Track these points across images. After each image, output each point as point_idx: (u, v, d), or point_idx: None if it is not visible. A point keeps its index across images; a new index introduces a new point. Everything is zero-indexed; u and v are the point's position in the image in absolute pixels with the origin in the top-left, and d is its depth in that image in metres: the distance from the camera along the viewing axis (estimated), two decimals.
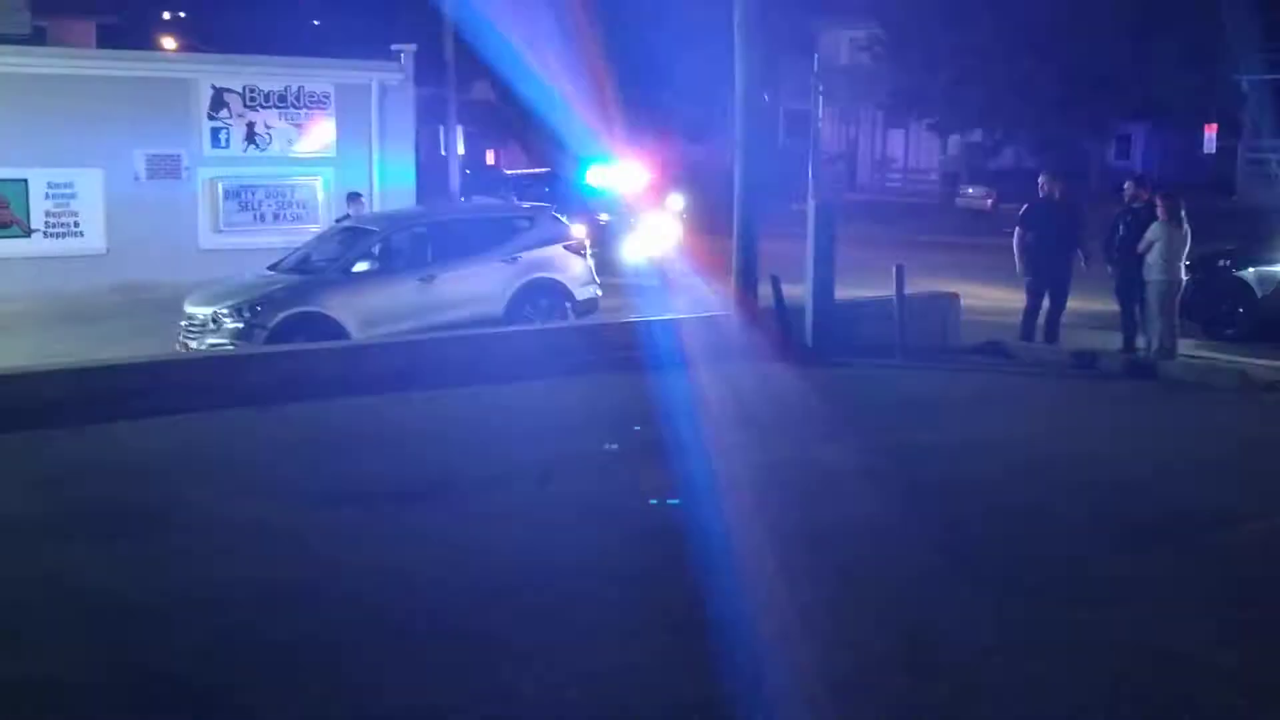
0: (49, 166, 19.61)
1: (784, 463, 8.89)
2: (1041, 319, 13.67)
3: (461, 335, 12.93)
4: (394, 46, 22.43)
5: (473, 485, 8.43)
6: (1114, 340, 13.46)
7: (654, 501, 8.02)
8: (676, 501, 7.99)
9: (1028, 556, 6.99)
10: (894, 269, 13.06)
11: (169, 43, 41.40)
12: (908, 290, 13.27)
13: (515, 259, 14.56)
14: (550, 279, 14.72)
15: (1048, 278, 13.47)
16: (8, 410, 9.91)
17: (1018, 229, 13.66)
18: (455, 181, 26.19)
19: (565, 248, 15.08)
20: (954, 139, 40.43)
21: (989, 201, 35.81)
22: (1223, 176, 36.66)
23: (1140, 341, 13.12)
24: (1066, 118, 31.90)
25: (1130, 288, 13.09)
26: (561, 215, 16.02)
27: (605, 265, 17.71)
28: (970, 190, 37.94)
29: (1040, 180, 14.01)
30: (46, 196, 19.74)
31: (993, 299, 16.41)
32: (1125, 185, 13.89)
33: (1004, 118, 33.66)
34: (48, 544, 7.26)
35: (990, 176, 37.45)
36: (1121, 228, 13.16)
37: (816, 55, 13.32)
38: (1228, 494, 8.19)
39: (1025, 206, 14.02)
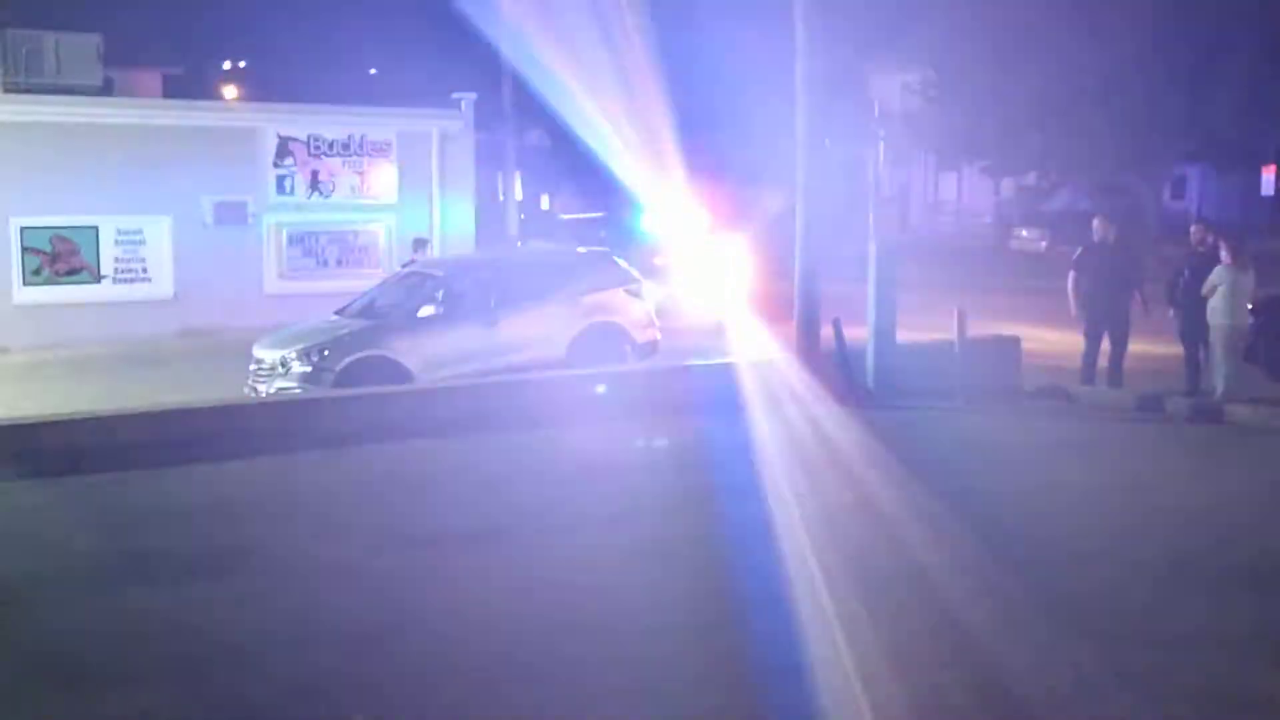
0: (118, 213, 20.10)
1: (847, 507, 8.91)
2: (1104, 363, 13.60)
3: (525, 379, 13.07)
4: (454, 94, 22.84)
5: (542, 528, 8.54)
6: (1179, 384, 13.36)
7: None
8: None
9: (1098, 601, 6.97)
10: (955, 312, 13.07)
11: (231, 92, 42.33)
12: (968, 333, 13.27)
13: (576, 302, 14.73)
14: (611, 322, 14.87)
15: (1105, 321, 13.43)
16: (86, 452, 10.17)
17: (1072, 273, 13.63)
18: (513, 226, 26.51)
19: (625, 291, 15.23)
20: (1007, 181, 40.35)
21: (1043, 244, 35.64)
22: None
23: (1206, 386, 13.03)
24: (1121, 160, 31.76)
25: (1195, 331, 13.02)
26: (620, 259, 16.19)
27: (663, 308, 17.83)
28: (1024, 233, 37.77)
29: (1094, 223, 14.00)
30: (116, 243, 20.22)
31: (1051, 342, 16.34)
32: (1192, 229, 13.85)
33: (1058, 161, 33.55)
34: (132, 585, 7.43)
35: (1044, 219, 37.30)
36: (1187, 271, 13.13)
37: (877, 101, 13.37)
38: None
39: (1080, 250, 14.00)
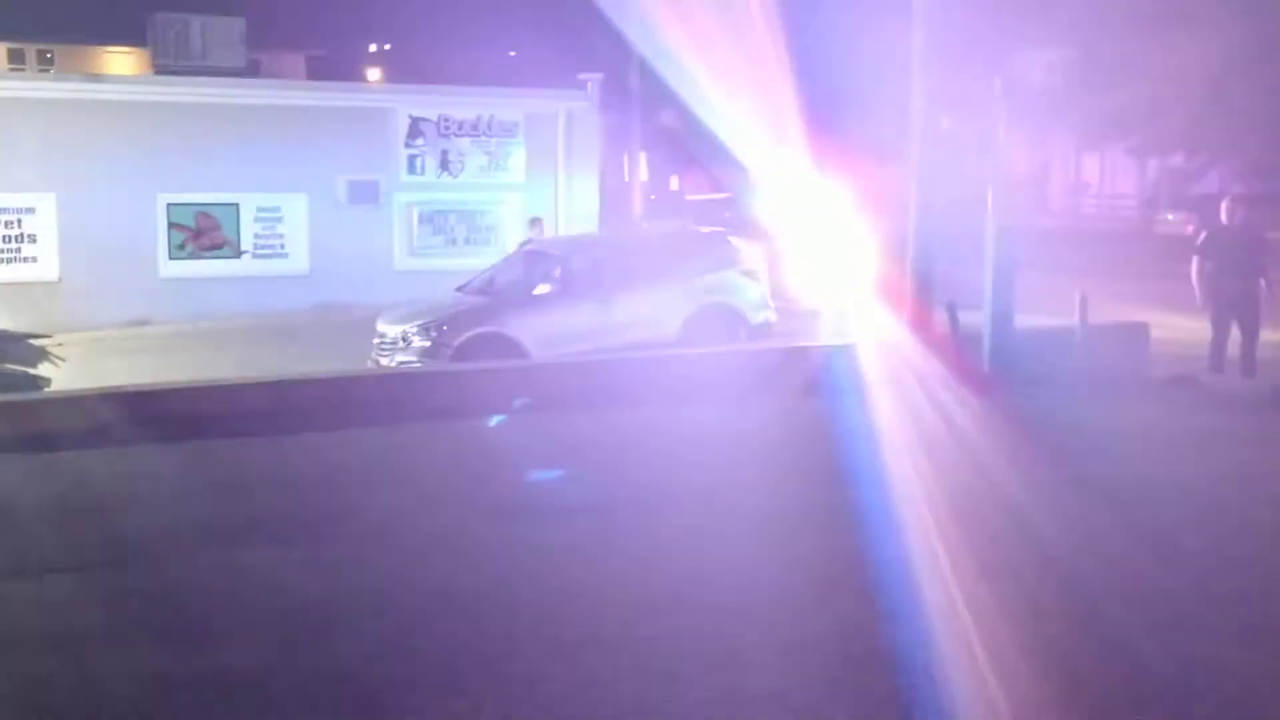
0: (258, 191, 20.80)
1: (960, 493, 8.74)
2: (1236, 351, 13.09)
3: (636, 357, 13.16)
4: (581, 75, 23.02)
5: (639, 503, 8.60)
6: None
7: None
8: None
9: (1219, 597, 6.73)
10: (1077, 296, 12.72)
11: (374, 74, 43.33)
12: (1094, 319, 12.89)
13: (690, 283, 14.75)
14: (725, 302, 14.87)
15: (1233, 308, 12.91)
16: (208, 419, 10.60)
17: (1196, 258, 13.15)
18: (638, 207, 26.64)
19: (740, 272, 15.21)
20: (1154, 163, 38.98)
21: (1190, 228, 34.34)
22: None
23: None
24: (1273, 139, 30.40)
25: None
26: (739, 239, 16.14)
27: (782, 290, 17.72)
28: (1170, 216, 36.47)
29: (1224, 205, 13.48)
30: (255, 219, 20.94)
31: (1189, 329, 15.76)
32: None
33: (1207, 141, 32.27)
34: (235, 546, 7.73)
35: (1192, 202, 35.92)
36: None
37: (999, 79, 13.06)
38: None
39: (1204, 234, 13.49)
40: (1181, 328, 15.98)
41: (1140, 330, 13.93)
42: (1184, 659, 5.89)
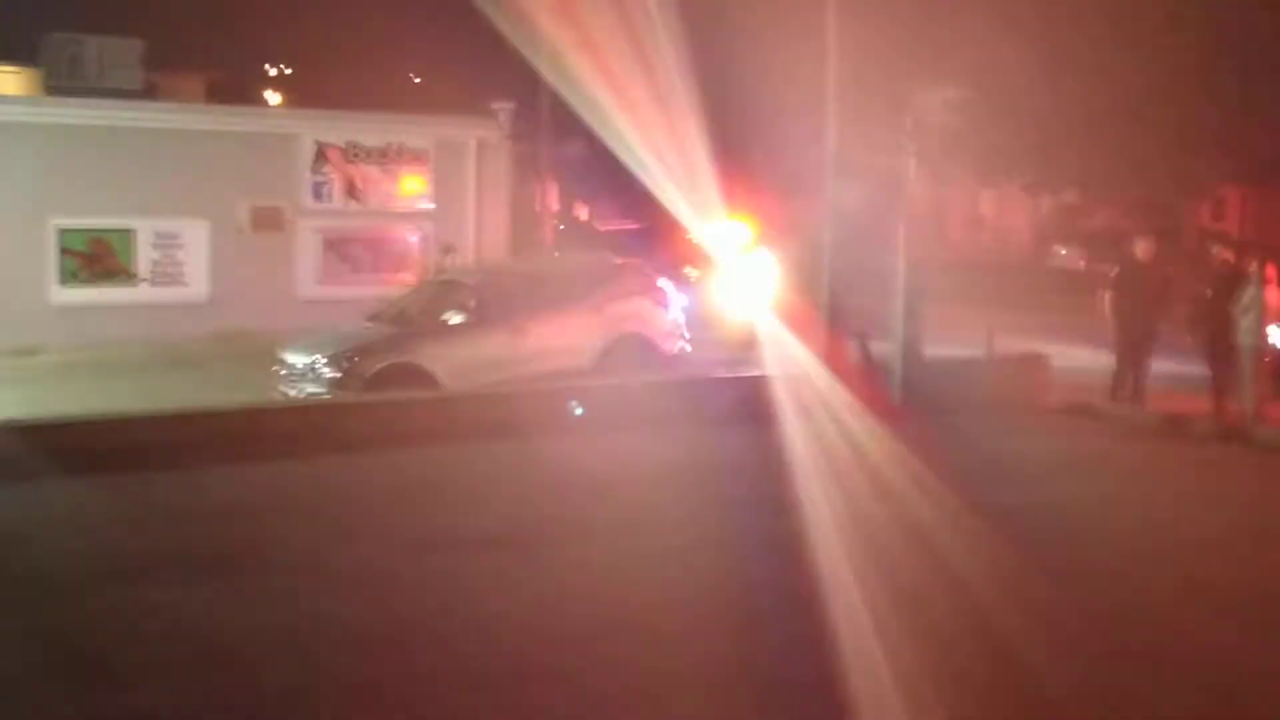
0: (156, 216, 20.29)
1: (869, 519, 8.85)
2: (1133, 381, 13.48)
3: (550, 388, 13.09)
4: (492, 104, 22.93)
5: (559, 534, 8.54)
6: (1204, 404, 13.21)
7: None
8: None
9: (1118, 621, 6.89)
10: (984, 329, 13.00)
11: (274, 97, 42.72)
12: (997, 350, 13.18)
13: (604, 312, 14.73)
14: (638, 333, 14.87)
15: (1138, 340, 13.33)
16: (112, 452, 10.25)
17: (1108, 292, 13.55)
18: (549, 236, 26.58)
19: (654, 302, 15.24)
20: (1047, 199, 40.06)
21: (1081, 263, 35.37)
22: None
23: (1234, 406, 12.88)
24: (1159, 179, 31.48)
25: (1217, 351, 12.90)
26: (652, 270, 16.19)
27: (695, 320, 17.81)
28: (1062, 251, 37.51)
29: (1129, 243, 13.94)
30: (153, 246, 20.41)
31: (1083, 360, 16.19)
32: (1214, 249, 13.71)
33: (1096, 178, 33.30)
34: (148, 582, 7.48)
35: (1083, 238, 37.01)
36: (1210, 291, 13.05)
37: (910, 117, 13.32)
38: None
39: (1116, 270, 13.92)
40: (1079, 357, 16.43)
41: (1042, 360, 14.28)
42: (1083, 680, 6.01)
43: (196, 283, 20.64)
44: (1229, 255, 13.28)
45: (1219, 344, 12.83)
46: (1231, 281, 12.76)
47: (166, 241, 20.52)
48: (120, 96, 21.57)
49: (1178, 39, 27.90)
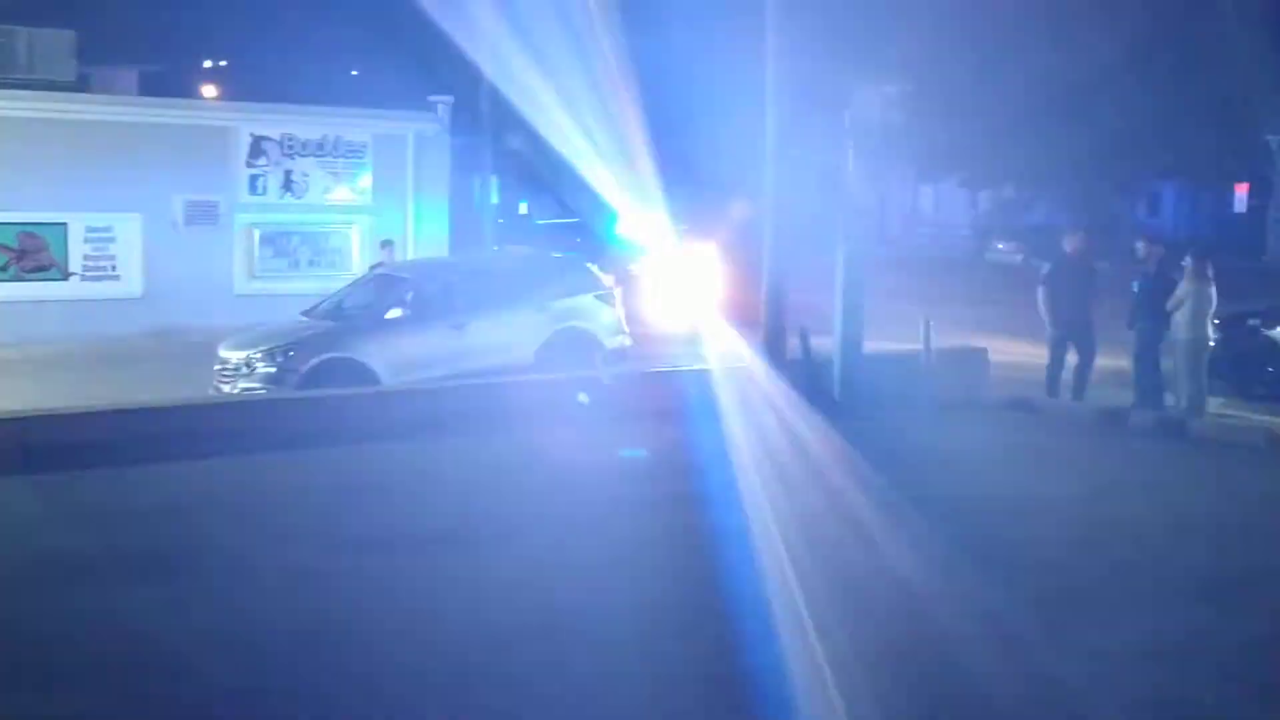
0: (88, 210, 19.95)
1: (810, 514, 8.88)
2: (1069, 376, 13.65)
3: (490, 383, 13.02)
4: (431, 98, 22.77)
5: (497, 532, 8.49)
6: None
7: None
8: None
9: (1055, 614, 6.96)
10: (922, 323, 13.10)
11: (210, 91, 42.10)
12: (936, 344, 13.28)
13: (545, 308, 14.68)
14: (580, 328, 14.83)
15: (1072, 334, 13.50)
16: (45, 450, 10.05)
17: (1041, 287, 13.71)
18: (489, 231, 26.44)
19: (595, 297, 15.20)
20: (985, 194, 40.51)
21: (1019, 257, 35.79)
22: (1254, 236, 36.55)
23: (1169, 399, 13.08)
24: (1095, 175, 31.97)
25: (1145, 345, 13.11)
26: (592, 264, 16.15)
27: (635, 315, 17.79)
28: (1001, 246, 37.94)
29: (1064, 238, 14.11)
30: (85, 240, 20.07)
31: (1022, 354, 16.38)
32: (1137, 245, 13.86)
33: (1034, 174, 33.74)
34: (82, 583, 7.35)
35: (1021, 232, 37.46)
36: (1136, 286, 13.27)
37: (849, 112, 13.39)
38: (1254, 554, 8.15)
39: (1049, 265, 14.09)
40: (1017, 352, 16.62)
41: (980, 355, 14.41)
42: (1022, 674, 6.07)
43: (130, 278, 20.35)
44: (1156, 250, 13.45)
45: (1145, 338, 13.04)
46: (1158, 277, 12.96)
47: (99, 236, 20.21)
48: (52, 88, 21.18)
49: (1112, 34, 28.33)
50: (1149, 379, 13.20)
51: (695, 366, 14.06)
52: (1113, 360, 14.83)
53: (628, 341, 15.46)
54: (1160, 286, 12.90)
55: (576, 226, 27.81)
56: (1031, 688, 5.93)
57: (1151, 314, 12.88)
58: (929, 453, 11.26)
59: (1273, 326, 14.98)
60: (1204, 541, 8.44)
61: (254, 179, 21.21)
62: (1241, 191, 38.45)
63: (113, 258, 20.30)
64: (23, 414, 11.03)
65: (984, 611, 6.90)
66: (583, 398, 12.04)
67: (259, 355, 13.34)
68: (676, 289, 20.56)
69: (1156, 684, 6.02)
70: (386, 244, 18.22)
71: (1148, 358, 13.18)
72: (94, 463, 9.99)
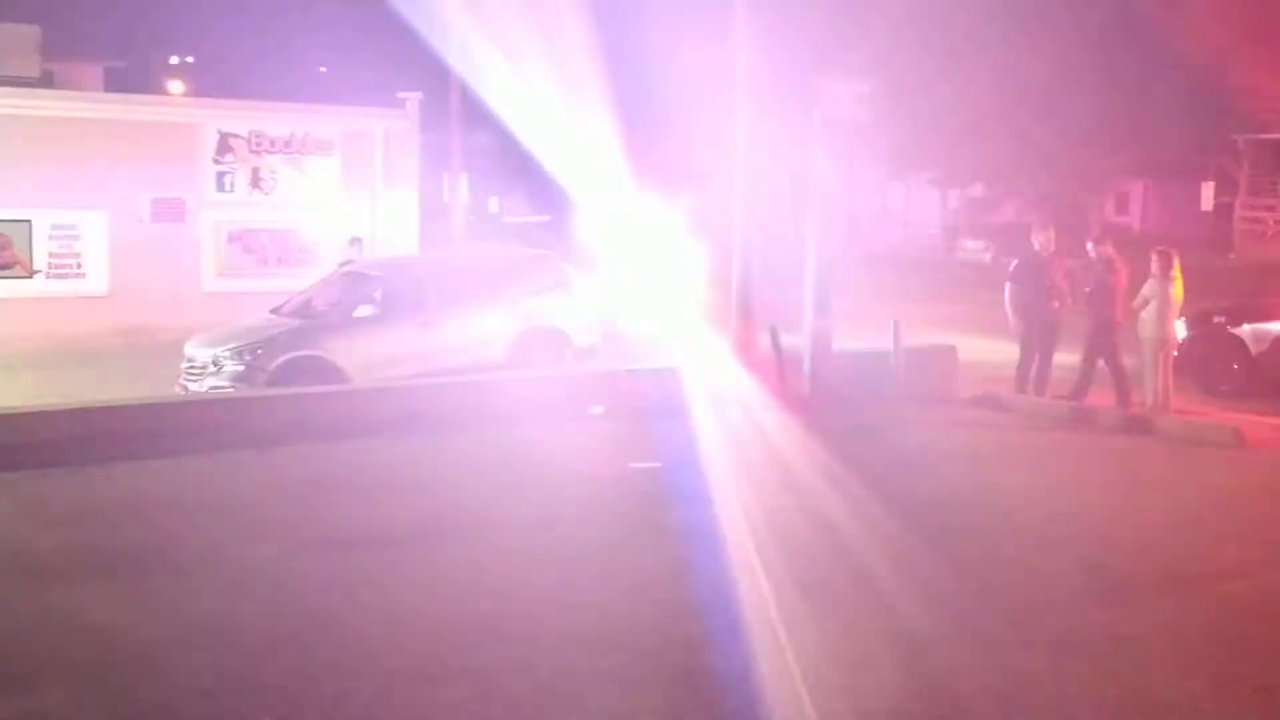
0: (53, 208, 19.76)
1: (780, 511, 8.90)
2: (1033, 372, 13.73)
3: (460, 381, 12.98)
4: (400, 94, 22.67)
5: (469, 530, 8.46)
6: (1110, 395, 13.50)
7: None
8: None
9: (1022, 609, 7.00)
10: (891, 321, 13.14)
11: (176, 87, 41.82)
12: (905, 342, 13.33)
13: (516, 306, 14.64)
14: (551, 325, 14.80)
15: (1040, 332, 13.58)
16: (9, 449, 9.95)
17: (1009, 284, 13.78)
18: (458, 228, 26.38)
19: (566, 294, 15.17)
20: (954, 193, 40.74)
21: (988, 255, 36.00)
22: (1220, 233, 36.88)
23: (1135, 396, 13.18)
24: (1064, 173, 32.20)
25: (1095, 341, 13.26)
26: (563, 262, 16.12)
27: (607, 313, 17.76)
28: (969, 244, 38.14)
29: (1030, 236, 14.19)
30: (50, 238, 19.88)
31: (990, 352, 16.46)
32: (1089, 245, 13.97)
33: (1003, 173, 33.96)
34: (46, 582, 7.28)
35: (990, 230, 37.67)
36: (1088, 288, 13.42)
37: (817, 110, 13.42)
38: (1220, 550, 8.21)
39: (1015, 262, 14.18)
40: (985, 349, 16.70)
41: (949, 353, 14.47)
42: (986, 666, 6.10)
43: (95, 275, 20.18)
44: (1107, 250, 13.53)
45: (1107, 337, 13.15)
46: (1107, 276, 13.12)
47: (64, 233, 20.03)
48: (16, 84, 20.98)
49: (1081, 33, 28.54)
50: (1118, 376, 13.31)
51: (665, 364, 14.06)
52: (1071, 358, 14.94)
53: (598, 339, 15.44)
54: (1108, 286, 13.03)
55: (547, 224, 27.79)
56: (998, 683, 5.95)
57: (1104, 313, 13.02)
58: (897, 449, 11.31)
59: (1238, 324, 15.12)
60: (1167, 536, 8.50)
61: (221, 176, 21.07)
62: (1209, 189, 38.76)
63: (78, 255, 20.13)
64: None
65: (951, 609, 6.92)
66: (597, 409, 12.09)
67: (227, 353, 13.25)
68: (648, 287, 20.58)
69: (1119, 677, 6.06)
70: (355, 241, 18.14)
71: (1108, 355, 13.30)
72: (59, 461, 9.90)
